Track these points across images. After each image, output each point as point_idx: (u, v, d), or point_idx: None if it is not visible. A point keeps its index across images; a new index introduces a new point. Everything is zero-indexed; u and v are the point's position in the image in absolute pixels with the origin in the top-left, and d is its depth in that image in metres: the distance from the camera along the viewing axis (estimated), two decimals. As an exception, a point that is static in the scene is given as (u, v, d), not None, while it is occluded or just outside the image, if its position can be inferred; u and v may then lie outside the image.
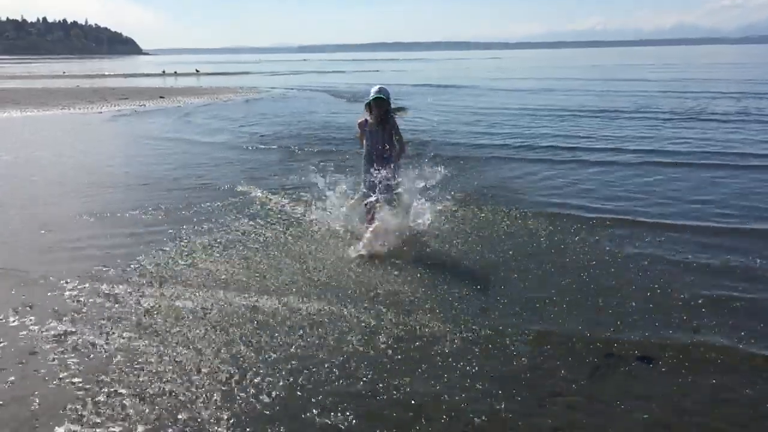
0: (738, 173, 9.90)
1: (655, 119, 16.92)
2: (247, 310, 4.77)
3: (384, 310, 4.73)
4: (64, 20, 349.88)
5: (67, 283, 5.45)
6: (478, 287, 5.18)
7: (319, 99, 28.07)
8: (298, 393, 3.62)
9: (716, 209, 7.73)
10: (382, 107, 6.31)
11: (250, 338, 4.30)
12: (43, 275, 5.62)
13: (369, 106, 6.36)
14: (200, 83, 42.97)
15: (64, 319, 4.69)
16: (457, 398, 3.55)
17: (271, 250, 6.24)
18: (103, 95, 30.10)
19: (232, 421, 3.36)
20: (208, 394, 3.61)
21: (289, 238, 6.63)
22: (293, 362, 3.96)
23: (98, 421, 3.36)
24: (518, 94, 27.89)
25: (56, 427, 3.31)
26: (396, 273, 5.57)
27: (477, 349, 4.12)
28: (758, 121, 15.93)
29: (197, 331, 4.43)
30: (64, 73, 61.87)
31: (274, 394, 3.61)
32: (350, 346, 4.17)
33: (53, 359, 4.05)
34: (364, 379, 3.77)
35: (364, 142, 6.55)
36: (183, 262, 5.93)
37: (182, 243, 6.56)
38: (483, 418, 3.36)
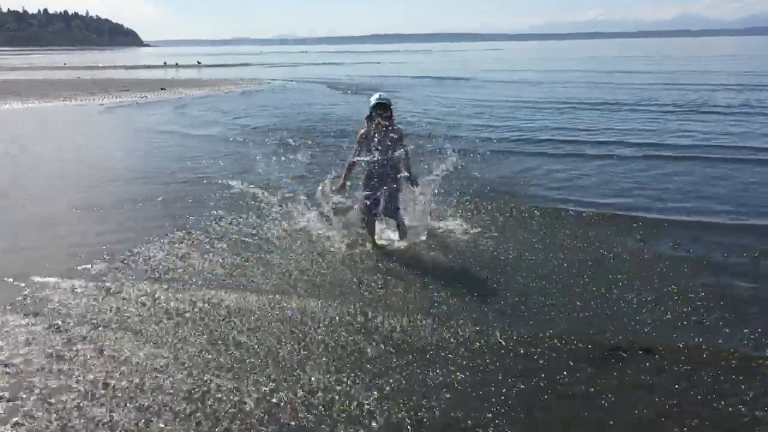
0: (742, 167, 9.84)
1: (656, 112, 16.86)
2: (231, 309, 4.73)
3: (379, 309, 4.68)
4: (65, 11, 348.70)
5: (51, 278, 5.39)
6: (480, 284, 5.16)
7: (318, 91, 28.02)
8: (286, 394, 3.58)
9: (720, 205, 7.66)
10: (384, 114, 5.79)
11: (231, 336, 4.27)
12: (23, 272, 5.54)
13: (370, 117, 5.85)
14: (201, 75, 42.91)
15: (46, 314, 4.67)
16: (461, 394, 3.56)
17: (259, 246, 6.20)
18: (104, 87, 30.09)
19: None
20: (193, 394, 3.58)
21: (279, 233, 6.57)
22: (282, 362, 3.93)
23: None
24: (517, 86, 27.83)
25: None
26: (398, 271, 5.52)
27: (477, 345, 4.13)
28: (761, 114, 15.86)
29: (183, 328, 4.40)
30: (65, 64, 61.79)
31: (255, 396, 3.57)
32: (347, 344, 4.14)
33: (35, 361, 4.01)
34: (354, 376, 3.78)
35: (365, 155, 5.95)
36: (168, 258, 5.85)
37: (167, 238, 6.47)
38: (488, 414, 3.36)
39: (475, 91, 25.87)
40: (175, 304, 4.81)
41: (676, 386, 3.60)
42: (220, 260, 5.80)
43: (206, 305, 4.79)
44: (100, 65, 62.31)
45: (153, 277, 5.40)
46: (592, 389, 3.57)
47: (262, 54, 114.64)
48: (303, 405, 3.44)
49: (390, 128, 5.83)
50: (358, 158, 5.97)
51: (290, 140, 12.91)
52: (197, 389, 3.63)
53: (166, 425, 3.30)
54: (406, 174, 5.91)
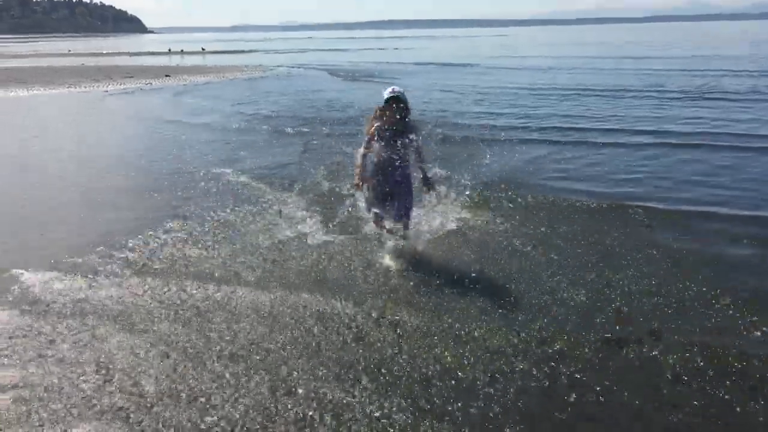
0: (753, 156, 9.68)
1: (663, 98, 16.71)
2: (214, 302, 4.70)
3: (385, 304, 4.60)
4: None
5: (30, 273, 5.33)
6: (486, 277, 5.09)
7: (323, 78, 27.95)
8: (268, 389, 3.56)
9: (729, 194, 7.55)
10: (398, 108, 5.28)
11: (217, 330, 4.25)
12: (4, 267, 5.49)
13: (381, 110, 5.37)
14: (206, 62, 42.82)
15: (26, 310, 4.63)
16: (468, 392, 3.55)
17: (244, 238, 6.12)
18: (109, 74, 30.08)
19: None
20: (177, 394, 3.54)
21: (266, 226, 6.48)
22: (268, 356, 3.89)
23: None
24: (522, 73, 27.64)
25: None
26: (401, 265, 5.41)
27: (478, 344, 4.13)
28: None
29: (165, 323, 4.37)
30: (69, 51, 61.74)
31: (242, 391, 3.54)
32: (346, 341, 4.08)
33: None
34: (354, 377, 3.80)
35: (371, 153, 5.48)
36: (154, 252, 5.79)
37: (155, 230, 6.40)
38: (497, 409, 3.37)
39: (479, 77, 25.72)
40: (159, 297, 4.80)
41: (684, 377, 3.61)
42: (206, 253, 5.73)
43: (196, 298, 4.75)
44: (105, 52, 62.27)
45: (141, 270, 5.36)
46: (598, 380, 3.58)
47: (267, 40, 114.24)
48: (308, 410, 3.37)
49: (404, 123, 5.36)
50: (368, 152, 5.48)
51: (288, 129, 12.95)
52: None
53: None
54: (421, 175, 5.51)
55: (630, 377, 3.60)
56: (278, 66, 36.49)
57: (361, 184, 5.41)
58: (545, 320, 4.31)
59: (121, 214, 7.11)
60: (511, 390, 3.48)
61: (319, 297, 4.74)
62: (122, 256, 5.71)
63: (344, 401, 3.42)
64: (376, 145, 5.38)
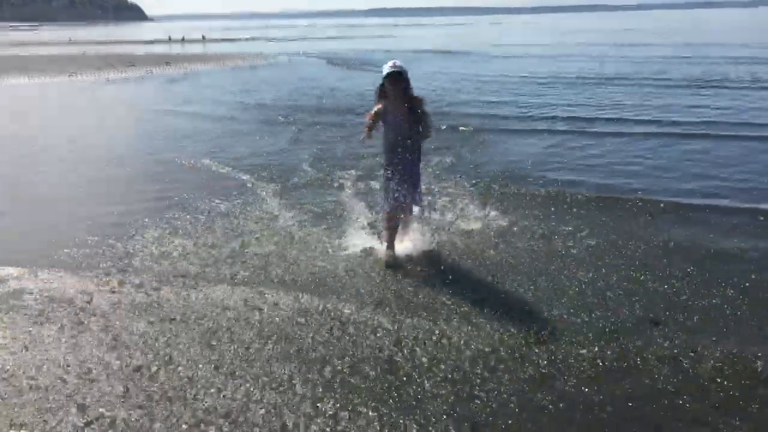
0: (757, 146, 9.58)
1: (667, 87, 16.59)
2: (197, 300, 4.57)
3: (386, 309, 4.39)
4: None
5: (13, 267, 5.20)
6: (490, 275, 4.94)
7: (323, 66, 28.00)
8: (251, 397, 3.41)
9: (733, 186, 7.43)
10: (399, 84, 4.96)
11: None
12: None
13: (382, 89, 5.02)
14: (206, 50, 42.84)
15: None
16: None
17: (228, 234, 5.96)
18: (109, 62, 30.19)
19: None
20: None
21: (250, 223, 6.28)
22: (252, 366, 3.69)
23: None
24: (521, 61, 27.59)
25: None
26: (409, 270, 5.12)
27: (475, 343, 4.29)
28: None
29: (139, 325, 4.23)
30: (70, 39, 61.67)
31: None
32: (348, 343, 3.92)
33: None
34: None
35: (383, 132, 5.16)
36: (132, 249, 5.61)
37: (133, 226, 6.22)
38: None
39: (478, 65, 25.73)
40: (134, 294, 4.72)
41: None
42: (187, 248, 5.59)
43: (173, 296, 4.65)
44: (105, 40, 62.17)
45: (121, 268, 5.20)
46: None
47: (267, 28, 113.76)
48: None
49: (410, 98, 5.02)
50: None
51: (280, 117, 12.94)
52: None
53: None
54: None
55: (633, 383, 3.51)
56: (278, 54, 36.54)
57: (370, 130, 4.96)
58: (545, 316, 4.25)
59: (93, 209, 6.99)
60: (512, 389, 3.45)
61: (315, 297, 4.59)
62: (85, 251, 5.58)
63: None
64: (384, 127, 5.09)
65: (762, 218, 6.23)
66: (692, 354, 3.72)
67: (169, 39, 59.98)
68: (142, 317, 4.31)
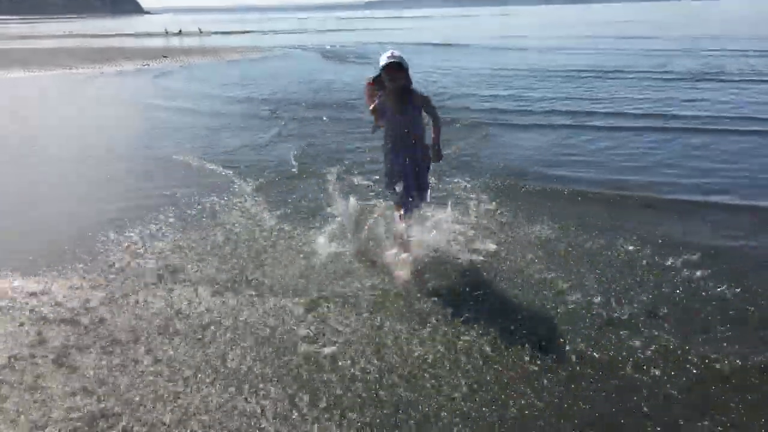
0: (762, 141, 9.41)
1: (669, 80, 16.41)
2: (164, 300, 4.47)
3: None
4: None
5: None
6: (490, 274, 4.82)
7: (320, 59, 27.85)
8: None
9: (736, 183, 7.29)
10: (398, 78, 4.58)
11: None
12: None
13: (379, 80, 4.64)
14: (203, 43, 42.66)
15: None
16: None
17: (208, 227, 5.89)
18: (106, 55, 30.06)
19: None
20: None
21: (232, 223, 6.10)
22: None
23: None
24: (520, 54, 27.41)
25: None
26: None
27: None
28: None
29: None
30: (66, 32, 61.38)
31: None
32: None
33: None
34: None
35: (384, 126, 4.84)
36: (108, 248, 5.48)
37: (110, 224, 6.09)
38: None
39: (477, 58, 25.62)
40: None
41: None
42: (162, 248, 5.45)
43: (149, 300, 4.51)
44: (102, 33, 61.90)
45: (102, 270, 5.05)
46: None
47: (264, 21, 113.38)
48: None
49: (409, 92, 4.71)
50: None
51: (267, 110, 12.83)
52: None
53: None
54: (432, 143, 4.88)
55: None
56: (275, 47, 36.39)
57: (375, 103, 4.64)
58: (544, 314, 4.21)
59: (71, 207, 6.95)
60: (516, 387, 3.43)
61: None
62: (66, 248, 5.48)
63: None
64: (385, 121, 4.77)
65: (762, 215, 6.16)
66: (689, 350, 3.69)
67: (166, 32, 59.75)
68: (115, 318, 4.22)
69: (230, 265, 5.04)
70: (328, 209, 6.06)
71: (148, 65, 25.20)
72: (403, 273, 4.72)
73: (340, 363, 3.62)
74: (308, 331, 3.98)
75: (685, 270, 4.80)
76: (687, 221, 6.02)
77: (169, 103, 14.87)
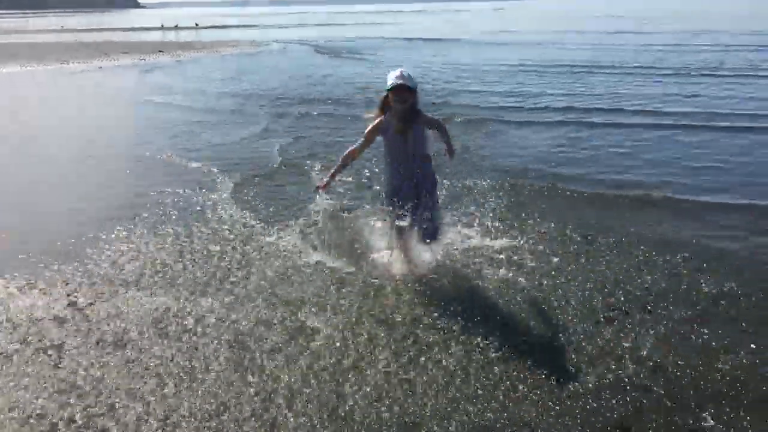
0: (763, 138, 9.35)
1: (665, 75, 16.40)
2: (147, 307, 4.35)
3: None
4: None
5: None
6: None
7: (315, 54, 27.70)
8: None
9: (736, 181, 7.29)
10: (406, 98, 4.34)
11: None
12: None
13: (386, 101, 4.43)
14: (199, 37, 42.45)
15: None
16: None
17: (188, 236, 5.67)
18: (102, 49, 29.91)
19: None
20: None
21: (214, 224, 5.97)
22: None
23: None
24: (513, 48, 27.21)
25: None
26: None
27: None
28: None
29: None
30: (62, 27, 61.07)
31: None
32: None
33: None
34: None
35: (384, 153, 4.64)
36: (75, 253, 5.30)
37: (90, 225, 5.98)
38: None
39: (469, 53, 25.46)
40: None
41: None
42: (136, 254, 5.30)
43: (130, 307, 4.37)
44: (98, 28, 61.61)
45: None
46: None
47: (261, 15, 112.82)
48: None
49: (416, 114, 4.46)
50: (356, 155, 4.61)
51: (263, 106, 12.82)
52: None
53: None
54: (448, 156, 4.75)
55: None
56: (271, 41, 36.24)
57: (324, 186, 4.68)
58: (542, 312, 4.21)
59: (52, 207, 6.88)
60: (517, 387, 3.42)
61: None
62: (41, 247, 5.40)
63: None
64: (385, 147, 4.59)
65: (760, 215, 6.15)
66: (685, 346, 3.73)
67: (162, 27, 59.42)
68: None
69: (210, 266, 4.97)
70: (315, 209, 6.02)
71: (144, 60, 25.10)
72: (396, 268, 4.72)
73: (321, 362, 3.62)
74: (287, 335, 3.94)
75: (682, 267, 4.82)
76: (683, 219, 6.02)
77: (163, 99, 14.79)
